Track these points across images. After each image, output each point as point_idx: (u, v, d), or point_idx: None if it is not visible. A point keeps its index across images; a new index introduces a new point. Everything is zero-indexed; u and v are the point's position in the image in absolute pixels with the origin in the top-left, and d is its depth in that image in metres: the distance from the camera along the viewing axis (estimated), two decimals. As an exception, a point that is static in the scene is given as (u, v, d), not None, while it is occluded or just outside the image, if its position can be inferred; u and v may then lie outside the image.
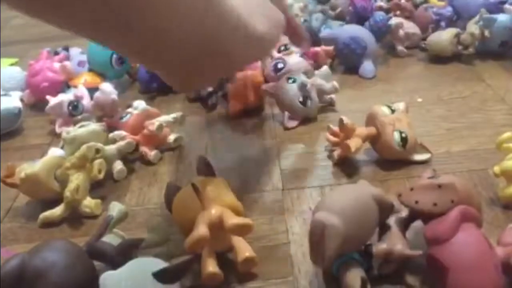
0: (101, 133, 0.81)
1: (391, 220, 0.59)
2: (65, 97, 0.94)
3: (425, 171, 0.63)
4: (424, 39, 1.13)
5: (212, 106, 0.95)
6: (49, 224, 0.71)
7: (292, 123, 0.89)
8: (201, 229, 0.55)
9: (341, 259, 0.54)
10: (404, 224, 0.59)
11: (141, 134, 0.83)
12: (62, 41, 1.28)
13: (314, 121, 0.91)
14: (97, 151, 0.74)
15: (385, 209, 0.58)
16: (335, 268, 0.55)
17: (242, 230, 0.57)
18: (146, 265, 0.52)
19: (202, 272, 0.57)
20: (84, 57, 1.11)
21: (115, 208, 0.65)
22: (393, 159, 0.76)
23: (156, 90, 1.04)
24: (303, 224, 0.66)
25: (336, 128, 0.79)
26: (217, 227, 0.56)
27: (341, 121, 0.76)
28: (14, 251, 0.65)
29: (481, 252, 0.51)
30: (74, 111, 0.93)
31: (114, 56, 1.04)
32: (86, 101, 0.94)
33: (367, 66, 1.05)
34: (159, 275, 0.50)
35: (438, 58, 1.08)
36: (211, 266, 0.56)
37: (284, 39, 1.08)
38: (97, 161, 0.74)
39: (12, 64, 1.29)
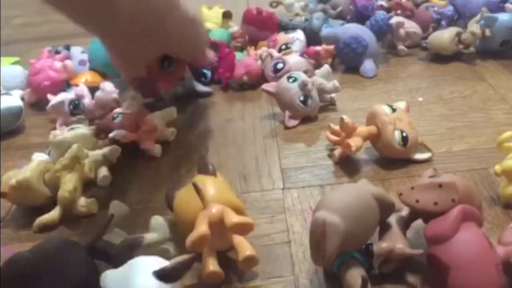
0: (89, 137, 0.81)
1: (392, 219, 0.59)
2: (66, 95, 0.94)
3: (426, 170, 0.63)
4: (425, 38, 1.13)
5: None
6: (45, 228, 0.70)
7: (293, 122, 0.89)
8: (202, 228, 0.55)
9: (341, 258, 0.54)
10: (405, 223, 0.59)
11: (141, 131, 0.83)
12: (63, 40, 1.28)
13: (315, 120, 0.91)
14: (78, 159, 0.73)
15: (386, 208, 0.58)
16: (335, 267, 0.55)
17: (243, 229, 0.57)
18: (147, 264, 0.52)
19: (203, 271, 0.57)
20: (85, 56, 1.11)
21: (116, 207, 0.65)
22: (393, 158, 0.76)
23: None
24: (304, 223, 0.66)
25: (336, 127, 0.79)
26: (218, 226, 0.56)
27: (341, 120, 0.76)
28: (15, 249, 0.65)
29: (481, 251, 0.51)
30: (75, 110, 0.93)
31: None
32: (87, 100, 0.94)
33: (368, 65, 1.05)
34: (160, 274, 0.50)
35: (439, 57, 1.08)
36: (212, 265, 0.56)
37: (285, 38, 1.09)
38: (87, 160, 0.74)
39: (13, 63, 1.29)
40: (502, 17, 1.04)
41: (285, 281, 0.58)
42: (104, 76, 1.04)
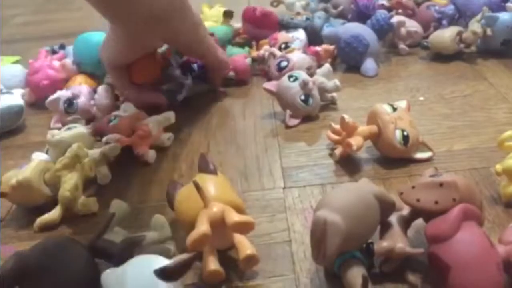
0: (86, 136, 0.80)
1: (393, 218, 0.59)
2: (63, 93, 0.94)
3: (427, 169, 0.63)
4: (426, 37, 1.13)
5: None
6: (45, 228, 0.70)
7: (294, 121, 0.89)
8: (203, 227, 0.55)
9: (342, 257, 0.54)
10: (406, 222, 0.59)
11: (135, 135, 0.82)
12: (64, 39, 1.28)
13: (316, 119, 0.91)
14: (78, 158, 0.73)
15: (387, 207, 0.58)
16: (336, 266, 0.55)
17: (244, 228, 0.57)
18: (148, 262, 0.52)
19: (204, 270, 0.57)
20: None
21: (117, 205, 0.65)
22: (394, 157, 0.76)
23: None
24: (305, 222, 0.66)
25: (337, 126, 0.79)
26: (218, 224, 0.56)
27: (342, 119, 0.76)
28: (16, 249, 0.65)
29: (482, 251, 0.51)
30: (69, 108, 0.93)
31: None
32: (83, 99, 0.93)
33: (369, 65, 1.05)
34: (161, 273, 0.50)
35: (440, 57, 1.08)
36: (212, 264, 0.56)
37: (285, 37, 1.09)
38: (87, 159, 0.73)
39: (14, 62, 1.29)
40: (503, 16, 1.04)
41: (286, 280, 0.58)
42: (95, 78, 1.04)
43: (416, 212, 0.59)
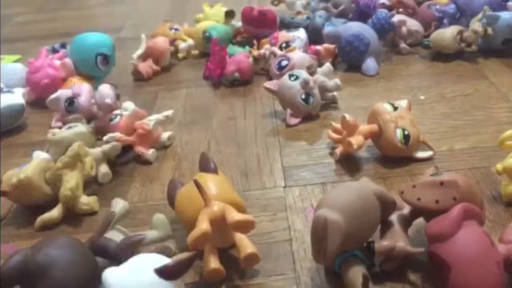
0: (87, 135, 0.80)
1: (393, 217, 0.59)
2: (64, 92, 0.94)
3: (428, 168, 0.63)
4: (427, 36, 1.13)
5: None
6: (47, 227, 0.70)
7: (294, 120, 0.89)
8: (204, 226, 0.55)
9: (343, 256, 0.54)
10: (406, 222, 0.59)
11: (136, 134, 0.82)
12: (65, 38, 1.28)
13: (316, 118, 0.91)
14: (79, 157, 0.73)
15: (387, 206, 0.58)
16: (337, 265, 0.55)
17: (244, 227, 0.57)
18: (149, 261, 0.52)
19: (204, 268, 0.57)
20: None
21: (118, 204, 0.65)
22: (395, 156, 0.76)
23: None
24: (305, 221, 0.66)
25: (338, 126, 0.79)
26: (219, 223, 0.56)
27: (343, 118, 0.76)
28: (17, 247, 0.65)
29: (483, 250, 0.51)
30: (69, 107, 0.93)
31: (99, 57, 1.03)
32: (83, 98, 0.93)
33: (370, 64, 1.05)
34: (162, 271, 0.51)
35: (441, 56, 1.08)
36: (213, 263, 0.56)
37: (286, 36, 1.09)
38: (88, 158, 0.73)
39: (15, 61, 1.29)
40: (504, 15, 1.04)
41: (286, 279, 0.58)
42: (90, 78, 1.04)
43: (417, 211, 0.59)
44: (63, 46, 1.17)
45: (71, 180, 0.71)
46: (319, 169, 0.77)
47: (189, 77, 1.12)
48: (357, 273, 0.53)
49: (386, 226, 0.58)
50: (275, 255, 0.61)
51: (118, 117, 0.85)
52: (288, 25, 1.17)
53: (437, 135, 0.82)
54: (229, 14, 1.19)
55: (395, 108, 0.76)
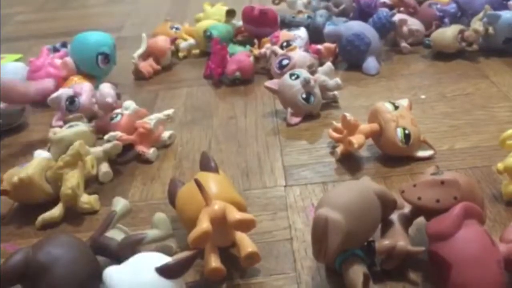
0: (88, 134, 0.80)
1: (394, 217, 0.59)
2: (65, 91, 0.95)
3: (428, 167, 0.63)
4: (428, 35, 1.12)
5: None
6: (48, 226, 0.70)
7: (295, 120, 0.89)
8: (204, 225, 0.55)
9: (343, 255, 0.54)
10: (407, 221, 0.59)
11: (137, 133, 0.82)
12: (66, 37, 1.28)
13: (317, 117, 0.91)
14: (79, 155, 0.73)
15: (388, 205, 0.58)
16: (337, 264, 0.55)
17: (245, 226, 0.57)
18: (150, 260, 0.52)
19: (205, 267, 0.57)
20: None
21: (119, 203, 0.65)
22: (396, 155, 0.76)
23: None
24: (306, 220, 0.66)
25: (339, 125, 0.79)
26: (220, 222, 0.56)
27: (344, 117, 0.76)
28: (18, 245, 0.65)
29: (483, 249, 0.51)
30: (70, 106, 0.93)
31: (100, 56, 1.03)
32: (84, 98, 0.93)
33: (371, 63, 1.05)
34: (162, 270, 0.51)
35: (442, 55, 1.08)
36: (214, 261, 0.57)
37: (286, 36, 1.09)
38: (88, 157, 0.73)
39: (16, 60, 1.29)
40: (505, 14, 1.04)
41: (287, 278, 0.58)
42: (91, 77, 1.04)
43: (418, 210, 0.59)
44: (64, 45, 1.17)
45: (72, 179, 0.71)
46: (320, 168, 0.77)
47: (189, 76, 1.12)
48: (358, 272, 0.53)
49: (386, 225, 0.59)
50: (276, 254, 0.61)
51: (119, 116, 0.85)
52: (289, 24, 1.17)
53: (437, 134, 0.82)
54: (230, 13, 1.19)
55: (396, 107, 0.76)
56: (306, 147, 0.83)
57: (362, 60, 1.05)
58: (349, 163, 0.77)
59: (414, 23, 1.14)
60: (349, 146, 0.74)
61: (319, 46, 1.07)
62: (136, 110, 0.86)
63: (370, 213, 0.55)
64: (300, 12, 1.24)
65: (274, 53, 1.03)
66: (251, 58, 1.05)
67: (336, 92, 0.94)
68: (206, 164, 0.66)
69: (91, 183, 0.77)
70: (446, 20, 1.13)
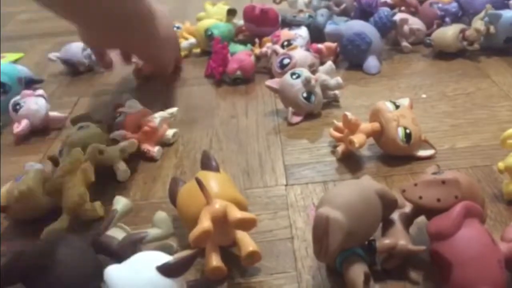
0: (101, 134, 0.80)
1: (395, 216, 0.59)
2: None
3: (429, 167, 0.63)
4: (429, 35, 1.12)
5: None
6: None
7: (296, 119, 0.89)
8: (205, 223, 0.55)
9: (344, 254, 0.54)
10: (408, 220, 0.59)
11: (141, 131, 0.82)
12: (66, 37, 1.28)
13: (318, 116, 0.91)
14: (101, 152, 0.73)
15: (389, 204, 0.58)
16: (338, 263, 0.55)
17: (246, 225, 0.57)
18: (150, 258, 0.53)
19: (206, 266, 0.57)
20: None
21: (120, 202, 0.65)
22: (397, 155, 0.76)
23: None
24: (307, 219, 0.66)
25: (340, 124, 0.79)
26: (221, 221, 0.56)
27: (345, 116, 0.76)
28: (19, 244, 0.65)
29: (484, 248, 0.51)
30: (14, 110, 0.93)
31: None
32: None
33: (372, 62, 1.05)
34: (163, 269, 0.51)
35: (443, 54, 1.08)
36: (214, 261, 0.57)
37: (287, 35, 1.09)
38: (86, 164, 0.71)
39: (17, 59, 1.29)
40: (507, 13, 1.03)
41: (288, 277, 0.58)
42: None
43: (418, 210, 0.59)
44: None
45: (75, 187, 0.69)
46: (321, 167, 0.77)
47: (190, 75, 1.12)
48: (358, 271, 0.53)
49: (387, 224, 0.59)
50: (277, 253, 0.61)
51: (123, 115, 0.85)
52: (290, 24, 1.17)
53: (438, 134, 0.82)
54: (231, 12, 1.19)
55: (397, 107, 0.76)
56: (307, 146, 0.83)
57: (363, 59, 1.05)
58: (350, 162, 0.77)
59: (415, 23, 1.14)
60: (350, 145, 0.74)
61: (320, 45, 1.07)
62: (140, 109, 0.86)
63: (371, 212, 0.55)
64: (301, 11, 1.24)
65: (275, 52, 1.03)
66: (252, 57, 1.05)
67: (337, 92, 0.94)
68: (207, 163, 0.66)
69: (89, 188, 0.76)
70: (447, 19, 1.13)
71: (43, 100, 0.94)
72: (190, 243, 0.55)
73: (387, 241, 0.56)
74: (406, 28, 1.12)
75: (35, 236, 0.66)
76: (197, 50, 1.21)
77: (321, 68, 0.96)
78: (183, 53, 1.20)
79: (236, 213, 0.57)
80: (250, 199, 0.70)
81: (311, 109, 0.90)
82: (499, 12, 1.04)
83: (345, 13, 1.23)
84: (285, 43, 1.07)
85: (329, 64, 0.95)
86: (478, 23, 1.04)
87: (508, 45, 1.06)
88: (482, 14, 1.05)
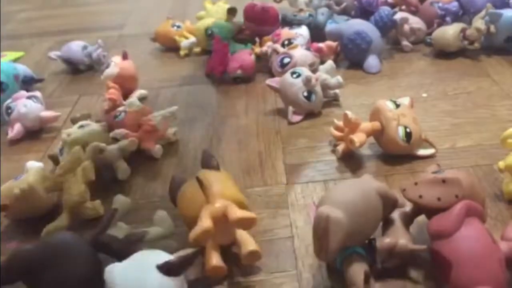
0: (101, 133, 0.80)
1: (395, 215, 0.59)
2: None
3: (430, 166, 0.63)
4: (430, 34, 1.12)
5: None
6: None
7: (296, 118, 0.89)
8: (205, 222, 0.55)
9: (344, 253, 0.54)
10: (408, 219, 0.59)
11: (142, 130, 0.82)
12: (67, 35, 1.28)
13: (319, 115, 0.91)
14: (101, 150, 0.73)
15: (389, 203, 0.58)
16: (338, 262, 0.55)
17: (246, 224, 0.57)
18: (151, 257, 0.53)
19: (206, 265, 0.57)
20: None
21: (120, 200, 0.65)
22: (397, 154, 0.76)
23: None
24: (307, 218, 0.66)
25: (340, 123, 0.79)
26: (221, 220, 0.56)
27: (345, 115, 0.76)
28: (19, 243, 0.65)
29: (484, 247, 0.51)
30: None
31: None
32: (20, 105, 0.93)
33: (372, 61, 1.05)
34: (164, 268, 0.51)
35: (444, 53, 1.08)
36: (215, 259, 0.57)
37: (288, 34, 1.09)
38: (87, 162, 0.71)
39: (18, 58, 1.29)
40: (507, 13, 1.03)
41: (288, 276, 0.58)
42: None
43: (419, 209, 0.59)
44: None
45: (75, 185, 0.69)
46: (321, 166, 0.77)
47: (191, 74, 1.12)
48: (358, 270, 0.53)
49: (388, 223, 0.59)
50: (277, 252, 0.61)
51: (123, 114, 0.85)
52: (290, 23, 1.17)
53: (439, 133, 0.82)
54: (231, 11, 1.19)
55: (397, 106, 0.76)
56: (308, 145, 0.83)
57: (363, 58, 1.05)
58: (351, 161, 0.77)
59: (415, 22, 1.14)
60: (351, 144, 0.74)
61: (321, 44, 1.07)
62: (140, 108, 0.86)
63: (371, 211, 0.55)
64: (301, 10, 1.24)
65: (276, 51, 1.03)
66: (253, 56, 1.05)
67: (337, 91, 0.94)
68: (207, 162, 0.66)
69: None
70: (448, 18, 1.12)
71: (32, 102, 0.93)
72: (191, 242, 0.55)
73: (387, 240, 0.56)
74: (406, 27, 1.11)
75: (36, 234, 0.66)
76: (197, 50, 1.21)
77: (321, 67, 0.96)
78: (183, 52, 1.20)
79: (236, 212, 0.57)
80: (250, 198, 0.70)
81: (311, 108, 0.90)
82: (500, 11, 1.04)
83: (345, 12, 1.23)
84: (286, 42, 1.07)
85: (330, 63, 0.95)
86: (479, 23, 1.04)
87: (508, 44, 1.06)
88: (482, 13, 1.05)
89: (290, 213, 0.68)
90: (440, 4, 1.15)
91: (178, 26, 1.24)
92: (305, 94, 0.88)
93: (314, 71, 0.94)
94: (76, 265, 0.53)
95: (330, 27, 1.10)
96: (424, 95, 0.94)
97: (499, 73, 1.00)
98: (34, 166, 0.74)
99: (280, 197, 0.71)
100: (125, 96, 0.96)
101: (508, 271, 0.52)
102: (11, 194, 0.68)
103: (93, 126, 0.81)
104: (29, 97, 0.94)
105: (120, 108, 0.87)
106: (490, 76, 0.99)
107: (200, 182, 0.58)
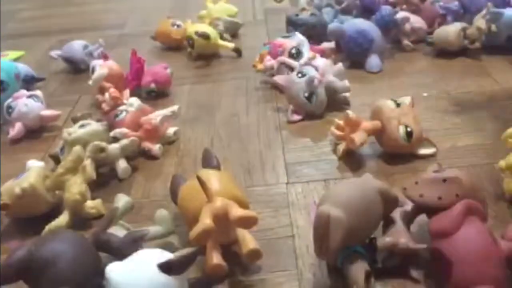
0: (102, 132, 0.80)
1: (396, 214, 0.59)
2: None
3: (430, 165, 0.63)
4: (431, 33, 1.12)
5: None
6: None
7: (295, 117, 0.89)
8: (206, 221, 0.55)
9: (345, 252, 0.54)
10: (409, 218, 0.59)
11: (142, 130, 0.82)
12: (68, 34, 1.28)
13: (319, 115, 0.90)
14: (102, 150, 0.73)
15: (390, 202, 0.58)
16: (339, 261, 0.55)
17: (247, 223, 0.57)
18: (151, 256, 0.53)
19: (207, 264, 0.57)
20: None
21: (121, 200, 0.65)
22: (398, 153, 0.76)
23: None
24: (308, 217, 0.66)
25: (341, 122, 0.79)
26: (222, 219, 0.56)
27: (346, 115, 0.76)
28: (20, 242, 0.65)
29: (485, 246, 0.51)
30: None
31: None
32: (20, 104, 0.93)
33: (373, 60, 1.04)
34: (165, 267, 0.51)
35: (445, 53, 1.08)
36: (215, 258, 0.57)
37: (291, 42, 1.07)
38: (87, 162, 0.71)
39: (18, 57, 1.29)
40: (508, 12, 1.03)
41: (289, 275, 0.58)
42: None
43: (419, 208, 0.59)
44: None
45: (75, 184, 0.69)
46: (322, 165, 0.77)
47: (192, 74, 1.12)
48: (359, 269, 0.53)
49: (388, 222, 0.59)
50: (278, 251, 0.61)
51: (124, 113, 0.85)
52: (294, 24, 1.16)
53: (440, 132, 0.81)
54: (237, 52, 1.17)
55: (398, 105, 0.76)
56: (308, 144, 0.83)
57: (364, 57, 1.05)
58: (351, 160, 0.77)
59: (416, 21, 1.14)
60: (351, 143, 0.74)
61: (322, 46, 1.06)
62: (141, 107, 0.86)
63: (372, 210, 0.55)
64: (303, 9, 1.24)
65: (290, 67, 0.96)
66: (168, 70, 1.03)
67: (347, 94, 0.93)
68: (208, 161, 0.66)
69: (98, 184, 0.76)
70: (449, 17, 1.12)
71: (33, 101, 0.93)
72: (191, 240, 0.55)
73: (388, 239, 0.56)
74: (407, 26, 1.11)
75: (36, 233, 0.66)
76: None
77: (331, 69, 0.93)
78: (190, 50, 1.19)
79: (237, 211, 0.57)
80: (251, 197, 0.70)
81: (311, 109, 0.89)
82: (501, 10, 1.03)
83: (346, 11, 1.23)
84: (293, 50, 0.99)
85: (339, 66, 0.93)
86: (480, 22, 1.04)
87: (510, 44, 1.05)
88: (483, 12, 1.05)
89: (290, 212, 0.68)
90: (441, 4, 1.15)
91: (178, 25, 1.24)
92: (306, 94, 0.88)
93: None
94: (77, 264, 0.53)
95: (332, 26, 1.09)
96: (425, 94, 0.94)
97: (500, 72, 1.00)
98: (35, 165, 0.74)
99: (281, 196, 0.71)
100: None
101: (509, 270, 0.52)
102: (12, 193, 0.68)
103: (94, 125, 0.80)
104: (29, 96, 0.94)
105: (121, 108, 0.87)
106: (491, 75, 0.99)
107: (201, 181, 0.58)
